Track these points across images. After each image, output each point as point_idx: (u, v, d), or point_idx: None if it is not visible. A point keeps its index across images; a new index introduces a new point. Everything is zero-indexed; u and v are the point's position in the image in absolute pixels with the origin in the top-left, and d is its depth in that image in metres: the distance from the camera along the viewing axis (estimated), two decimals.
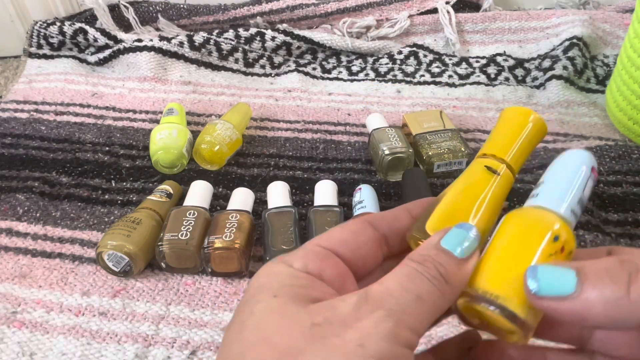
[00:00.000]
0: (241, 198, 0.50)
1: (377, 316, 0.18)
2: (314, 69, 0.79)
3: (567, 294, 0.18)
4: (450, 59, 0.79)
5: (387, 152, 0.55)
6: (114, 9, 0.83)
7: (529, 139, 0.26)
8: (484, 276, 0.21)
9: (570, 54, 0.74)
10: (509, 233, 0.22)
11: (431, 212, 0.24)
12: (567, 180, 0.23)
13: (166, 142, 0.57)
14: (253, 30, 0.78)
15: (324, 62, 0.80)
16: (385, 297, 0.19)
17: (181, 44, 0.76)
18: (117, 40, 0.78)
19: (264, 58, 0.79)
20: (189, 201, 0.50)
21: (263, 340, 0.18)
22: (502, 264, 0.21)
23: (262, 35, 0.78)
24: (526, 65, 0.78)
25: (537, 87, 0.74)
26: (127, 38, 0.78)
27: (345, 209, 0.50)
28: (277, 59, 0.80)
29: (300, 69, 0.78)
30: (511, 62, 0.78)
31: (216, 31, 0.79)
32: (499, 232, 0.22)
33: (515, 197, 0.54)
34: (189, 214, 0.47)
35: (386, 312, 0.19)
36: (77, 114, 0.68)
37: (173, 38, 0.77)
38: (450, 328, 0.42)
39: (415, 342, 0.19)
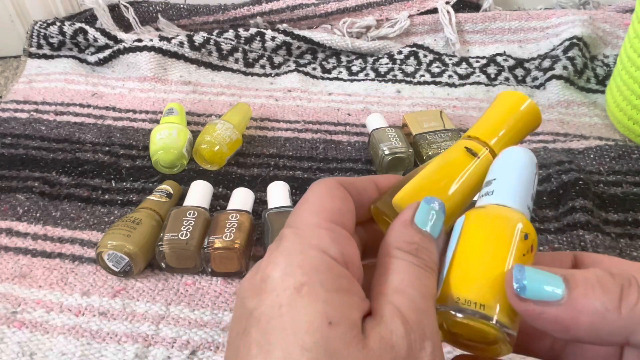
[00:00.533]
0: (241, 198, 0.50)
1: (429, 350, 0.18)
2: (314, 69, 0.79)
3: (554, 299, 0.17)
4: (450, 59, 0.79)
5: (387, 152, 0.55)
6: (114, 9, 0.83)
7: (519, 126, 0.25)
8: (460, 285, 0.20)
9: (570, 54, 0.74)
10: (476, 234, 0.20)
11: (400, 187, 0.23)
12: (520, 178, 0.22)
13: (166, 142, 0.57)
14: (253, 30, 0.78)
15: (324, 62, 0.80)
16: (419, 316, 0.19)
17: (181, 44, 0.76)
18: (117, 40, 0.78)
19: (264, 58, 0.79)
20: (189, 201, 0.50)
21: None
22: (477, 268, 0.20)
23: (262, 35, 0.78)
24: (526, 65, 0.78)
25: (537, 87, 0.74)
26: (127, 38, 0.78)
27: None
28: (277, 59, 0.80)
29: (300, 69, 0.78)
30: (511, 62, 0.78)
31: (216, 31, 0.79)
32: (464, 234, 0.21)
33: None
34: (189, 214, 0.47)
35: (430, 341, 0.18)
36: (77, 114, 0.68)
37: (173, 38, 0.77)
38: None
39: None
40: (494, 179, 0.22)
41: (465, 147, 0.24)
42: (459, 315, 0.19)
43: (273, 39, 0.78)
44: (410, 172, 0.25)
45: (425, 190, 0.23)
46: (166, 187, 0.53)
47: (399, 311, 0.18)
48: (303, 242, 0.19)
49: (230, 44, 0.78)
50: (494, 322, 0.19)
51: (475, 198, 0.23)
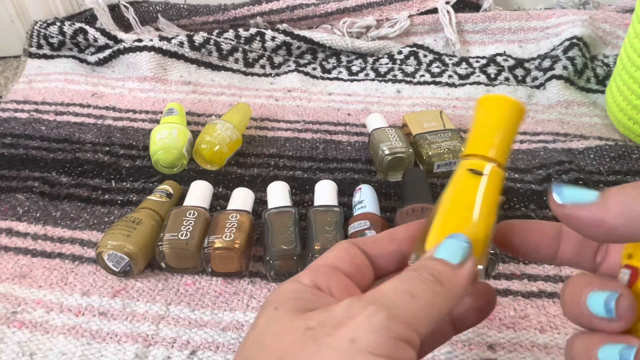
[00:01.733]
0: (241, 198, 0.50)
1: (369, 311, 0.19)
2: (314, 69, 0.79)
3: (589, 200, 0.19)
4: (450, 59, 0.79)
5: (387, 152, 0.55)
6: (114, 9, 0.83)
7: (508, 127, 0.25)
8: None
9: (570, 54, 0.74)
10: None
11: (427, 230, 0.24)
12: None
13: (166, 142, 0.57)
14: (253, 30, 0.78)
15: (324, 62, 0.80)
16: (378, 295, 0.20)
17: (181, 44, 0.76)
18: (117, 40, 0.78)
19: (264, 58, 0.79)
20: (189, 201, 0.50)
21: (261, 350, 0.19)
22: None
23: (262, 35, 0.78)
24: (526, 65, 0.78)
25: (537, 87, 0.74)
26: (127, 38, 0.78)
27: (345, 209, 0.50)
28: (277, 59, 0.80)
29: (300, 69, 0.78)
30: (511, 62, 0.78)
31: (216, 31, 0.79)
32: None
33: (516, 197, 0.54)
34: (189, 214, 0.47)
35: (378, 306, 0.19)
36: (77, 114, 0.68)
37: (173, 38, 0.77)
38: (456, 349, 0.42)
39: (413, 338, 0.19)
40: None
41: (468, 170, 0.24)
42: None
43: (273, 39, 0.78)
44: (429, 214, 0.25)
45: (451, 227, 0.23)
46: (166, 187, 0.53)
47: (360, 295, 0.20)
48: (291, 279, 0.23)
49: (230, 44, 0.78)
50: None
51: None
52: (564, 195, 0.20)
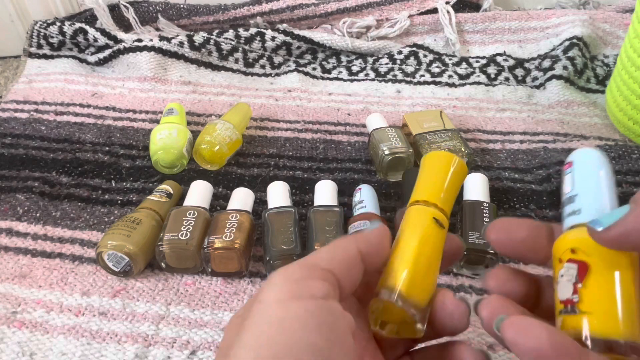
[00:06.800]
0: (241, 198, 0.50)
1: (269, 279, 0.23)
2: (314, 69, 0.79)
3: (624, 212, 0.20)
4: (450, 59, 0.79)
5: (387, 152, 0.55)
6: (114, 9, 0.83)
7: (458, 184, 0.27)
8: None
9: (570, 54, 0.74)
10: (608, 271, 0.21)
11: (394, 266, 0.25)
12: (604, 188, 0.23)
13: (166, 142, 0.57)
14: (253, 30, 0.78)
15: (324, 62, 0.80)
16: (281, 271, 0.23)
17: (181, 44, 0.76)
18: (117, 40, 0.78)
19: (264, 58, 0.79)
20: (189, 201, 0.50)
21: (219, 350, 0.23)
22: (628, 306, 0.20)
23: (262, 35, 0.78)
24: (526, 65, 0.78)
25: (537, 87, 0.74)
26: (127, 38, 0.78)
27: (345, 209, 0.50)
28: (277, 59, 0.80)
29: (300, 69, 0.78)
30: (511, 62, 0.78)
31: (216, 31, 0.79)
32: (595, 277, 0.21)
33: (516, 197, 0.54)
34: (189, 214, 0.47)
35: (275, 272, 0.23)
36: (77, 114, 0.68)
37: (173, 38, 0.77)
38: None
39: (321, 274, 0.22)
40: (577, 195, 0.23)
41: (434, 218, 0.26)
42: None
43: (273, 39, 0.78)
44: (392, 247, 0.26)
45: (422, 274, 0.25)
46: (166, 187, 0.53)
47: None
48: None
49: (230, 44, 0.78)
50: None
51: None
52: (601, 223, 0.20)
